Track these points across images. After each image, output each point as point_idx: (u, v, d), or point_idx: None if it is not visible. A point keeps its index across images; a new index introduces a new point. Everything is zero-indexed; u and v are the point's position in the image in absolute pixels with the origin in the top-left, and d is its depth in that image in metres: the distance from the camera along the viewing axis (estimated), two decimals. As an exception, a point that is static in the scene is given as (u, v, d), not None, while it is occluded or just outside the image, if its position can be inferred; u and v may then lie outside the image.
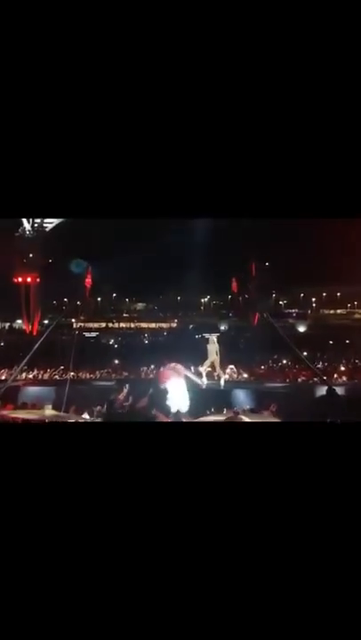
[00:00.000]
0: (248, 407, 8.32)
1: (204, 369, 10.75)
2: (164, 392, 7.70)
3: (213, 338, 11.18)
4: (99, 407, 8.23)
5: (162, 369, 8.16)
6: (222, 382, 11.06)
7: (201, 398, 8.59)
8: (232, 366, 16.61)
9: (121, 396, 8.00)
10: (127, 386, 8.36)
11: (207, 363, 10.86)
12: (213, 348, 11.01)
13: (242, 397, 9.19)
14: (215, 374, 11.12)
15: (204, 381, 10.66)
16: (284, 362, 18.36)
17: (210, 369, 10.98)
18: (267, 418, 6.40)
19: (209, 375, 10.88)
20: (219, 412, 6.82)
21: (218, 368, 10.98)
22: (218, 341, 11.08)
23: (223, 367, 16.41)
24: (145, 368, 16.86)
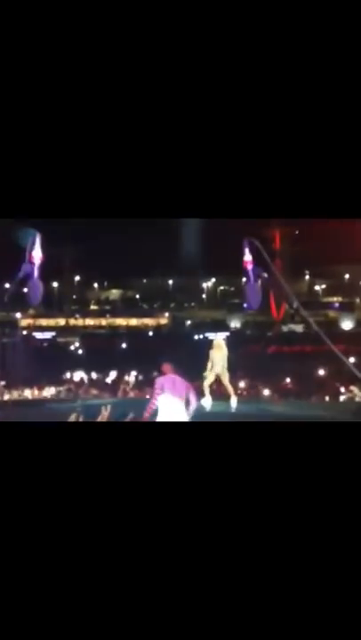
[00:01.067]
0: None
1: (207, 384, 10.54)
2: (153, 415, 7.61)
3: (220, 340, 10.92)
4: None
5: (158, 379, 8.00)
6: (233, 402, 10.81)
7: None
8: (248, 380, 16.55)
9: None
10: (108, 407, 8.33)
11: (211, 376, 10.57)
12: (220, 354, 10.65)
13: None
14: (222, 390, 10.82)
15: (209, 402, 10.49)
16: (321, 372, 18.36)
17: (213, 383, 10.68)
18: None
19: (212, 391, 10.69)
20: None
21: (226, 382, 10.71)
22: (225, 345, 10.80)
23: (234, 381, 16.35)
24: (126, 381, 16.77)
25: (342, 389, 13.94)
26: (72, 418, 8.51)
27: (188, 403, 7.71)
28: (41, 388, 16.88)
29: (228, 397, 10.82)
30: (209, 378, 10.74)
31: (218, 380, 10.79)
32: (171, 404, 7.63)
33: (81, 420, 8.46)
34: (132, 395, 14.79)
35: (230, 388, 10.84)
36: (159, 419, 7.56)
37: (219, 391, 12.08)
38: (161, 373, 8.06)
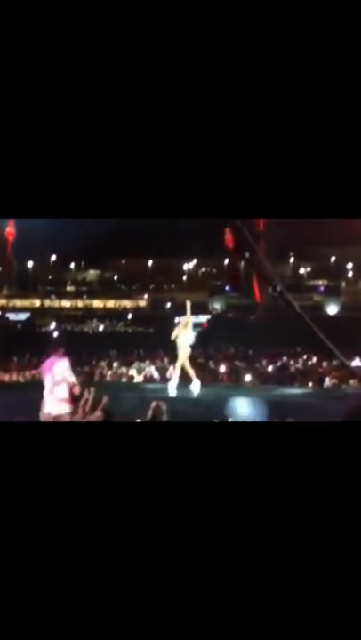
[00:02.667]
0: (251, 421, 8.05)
1: (188, 366, 10.32)
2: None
3: (187, 318, 10.50)
4: None
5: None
6: (195, 387, 10.49)
7: (180, 410, 8.50)
8: (228, 364, 16.57)
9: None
10: (92, 389, 8.24)
11: (181, 358, 10.24)
12: (186, 337, 10.26)
13: (241, 409, 8.88)
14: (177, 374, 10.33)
15: (174, 385, 10.29)
16: (305, 357, 18.40)
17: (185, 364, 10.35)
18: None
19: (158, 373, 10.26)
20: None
21: (188, 366, 10.34)
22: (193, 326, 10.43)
23: (216, 366, 16.36)
24: (102, 365, 16.66)
25: (332, 377, 13.95)
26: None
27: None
28: (17, 371, 16.74)
29: (189, 381, 10.59)
30: (179, 362, 10.50)
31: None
32: (53, 396, 7.58)
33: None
34: (108, 378, 14.73)
35: (192, 372, 10.58)
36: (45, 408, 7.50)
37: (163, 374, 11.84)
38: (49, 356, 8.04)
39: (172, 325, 10.79)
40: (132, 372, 14.71)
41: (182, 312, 11.29)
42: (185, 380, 10.65)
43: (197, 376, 10.98)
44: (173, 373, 10.84)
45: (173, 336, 10.54)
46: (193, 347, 11.02)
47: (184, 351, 10.59)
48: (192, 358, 11.11)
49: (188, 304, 10.99)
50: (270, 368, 16.04)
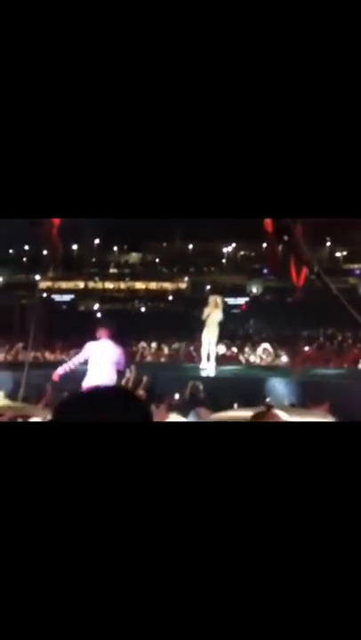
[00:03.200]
0: (287, 402, 7.99)
1: (205, 347, 10.23)
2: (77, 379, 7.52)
3: (216, 297, 10.41)
4: None
5: (88, 344, 7.70)
6: (211, 365, 10.84)
7: (220, 389, 8.59)
8: (266, 345, 16.55)
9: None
10: (133, 368, 8.33)
11: (208, 337, 10.13)
12: (215, 316, 10.21)
13: (279, 389, 8.90)
14: (205, 353, 10.20)
15: (209, 364, 10.21)
16: (340, 339, 18.30)
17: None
18: (316, 416, 6.26)
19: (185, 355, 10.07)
20: (247, 406, 6.85)
21: (213, 345, 10.27)
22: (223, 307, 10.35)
23: (252, 346, 16.37)
24: (143, 345, 16.82)
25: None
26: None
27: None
28: (63, 351, 16.95)
29: (208, 359, 10.47)
30: (210, 340, 10.39)
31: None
32: (98, 371, 7.50)
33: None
34: (149, 359, 14.85)
35: (211, 350, 10.44)
36: (85, 384, 7.42)
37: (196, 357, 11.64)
38: (97, 338, 7.93)
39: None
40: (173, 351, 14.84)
41: (222, 294, 11.24)
42: (209, 359, 10.63)
43: (233, 357, 11.01)
44: (204, 353, 10.84)
45: (204, 316, 10.55)
46: (228, 328, 11.01)
47: (212, 330, 10.57)
48: (225, 338, 11.07)
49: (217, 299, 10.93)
50: (307, 349, 15.96)
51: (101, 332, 8.01)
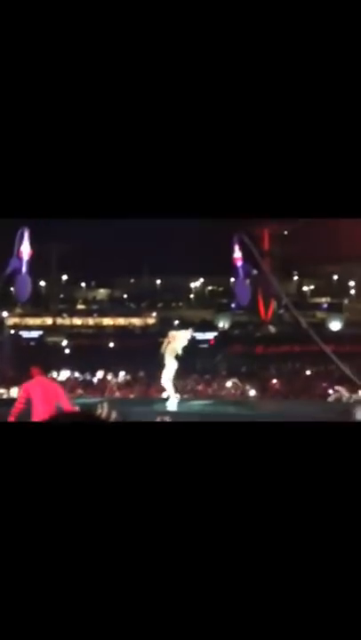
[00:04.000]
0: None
1: (165, 381, 10.12)
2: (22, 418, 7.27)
3: (175, 333, 10.34)
4: None
5: (25, 384, 7.54)
6: (173, 401, 10.28)
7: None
8: (235, 380, 16.50)
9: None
10: (105, 405, 8.23)
11: (168, 372, 10.03)
12: (171, 351, 10.06)
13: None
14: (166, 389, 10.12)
15: (173, 399, 10.10)
16: (309, 373, 18.40)
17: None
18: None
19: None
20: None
21: (170, 380, 10.15)
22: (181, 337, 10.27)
23: (221, 382, 16.35)
24: (113, 381, 16.66)
25: (330, 390, 13.91)
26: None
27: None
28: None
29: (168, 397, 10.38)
30: (165, 376, 10.31)
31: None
32: (42, 409, 7.33)
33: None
34: (117, 394, 14.70)
35: (171, 387, 10.35)
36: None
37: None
38: (29, 377, 7.78)
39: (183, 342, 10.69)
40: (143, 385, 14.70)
41: (190, 329, 11.17)
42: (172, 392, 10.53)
43: (202, 392, 10.92)
44: (166, 389, 10.72)
45: (162, 350, 10.46)
46: (196, 363, 10.94)
47: (169, 365, 10.47)
48: (193, 373, 10.99)
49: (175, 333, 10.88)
50: (275, 382, 15.97)
51: (34, 371, 7.82)
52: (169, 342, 10.43)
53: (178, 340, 10.42)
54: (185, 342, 10.38)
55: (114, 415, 8.15)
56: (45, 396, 7.53)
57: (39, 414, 7.36)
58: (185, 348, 10.43)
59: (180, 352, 10.32)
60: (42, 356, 23.89)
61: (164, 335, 11.14)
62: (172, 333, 10.56)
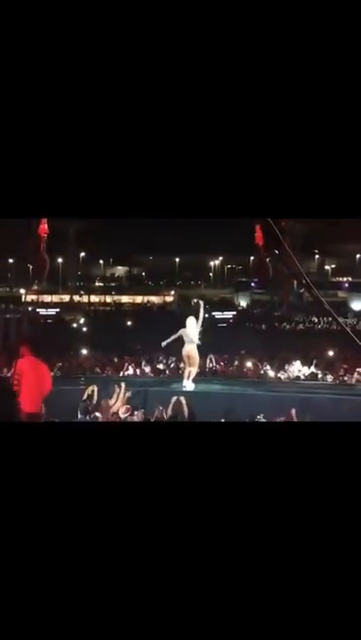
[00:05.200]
0: (261, 416, 7.92)
1: (188, 368, 10.17)
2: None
3: (187, 325, 10.39)
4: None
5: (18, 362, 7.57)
6: (188, 383, 10.27)
7: (206, 404, 8.46)
8: (254, 359, 16.48)
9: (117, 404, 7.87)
10: (123, 385, 8.20)
11: (186, 353, 10.07)
12: (193, 330, 10.08)
13: (264, 405, 8.73)
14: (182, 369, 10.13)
15: (190, 382, 10.18)
16: (331, 353, 18.29)
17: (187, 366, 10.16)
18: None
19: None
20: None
21: (192, 361, 10.20)
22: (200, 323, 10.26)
23: (241, 361, 16.30)
24: (128, 360, 16.67)
25: (351, 372, 13.81)
26: (89, 391, 8.52)
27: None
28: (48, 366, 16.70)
29: (188, 375, 10.41)
30: (189, 355, 10.35)
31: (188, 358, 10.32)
32: (29, 389, 7.34)
33: (96, 395, 8.45)
34: (134, 373, 14.70)
35: (192, 368, 10.39)
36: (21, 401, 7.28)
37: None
38: (20, 356, 7.77)
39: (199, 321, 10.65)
40: (160, 366, 14.66)
41: (209, 308, 11.16)
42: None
43: (220, 372, 10.88)
44: (185, 368, 10.73)
45: (183, 334, 10.44)
46: (214, 342, 10.85)
47: (189, 346, 10.44)
48: (211, 353, 10.93)
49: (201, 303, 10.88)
50: (295, 363, 15.88)
51: (24, 349, 7.81)
52: (190, 328, 10.43)
53: (188, 331, 10.40)
54: (194, 329, 10.37)
55: (127, 395, 8.18)
56: (35, 375, 7.57)
57: (28, 394, 7.39)
58: (201, 332, 10.45)
59: (195, 339, 10.33)
60: (57, 335, 23.97)
61: (183, 314, 11.10)
62: (190, 320, 10.54)
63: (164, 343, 10.63)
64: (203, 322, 10.68)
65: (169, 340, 10.43)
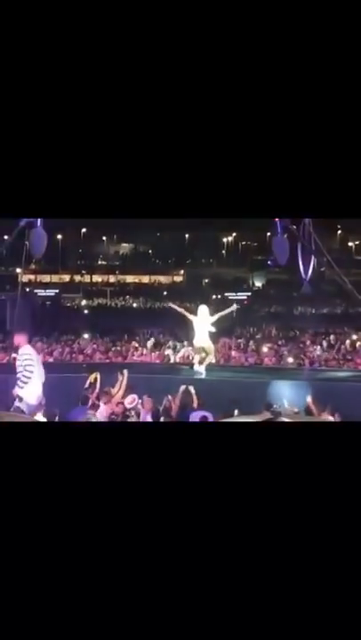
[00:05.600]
0: (297, 409, 7.86)
1: (197, 354, 10.23)
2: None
3: (199, 312, 10.50)
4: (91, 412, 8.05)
5: (25, 347, 7.53)
6: (201, 368, 10.34)
7: (217, 393, 8.46)
8: (269, 345, 16.46)
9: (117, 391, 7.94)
10: (125, 372, 8.23)
11: (198, 339, 10.15)
12: (204, 318, 10.16)
13: (284, 393, 8.70)
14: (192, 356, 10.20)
15: (202, 369, 10.24)
16: (355, 338, 18.21)
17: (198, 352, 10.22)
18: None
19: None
20: (249, 412, 6.72)
21: (208, 350, 10.27)
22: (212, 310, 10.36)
23: (255, 345, 16.30)
24: (134, 345, 16.64)
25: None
26: (91, 379, 8.55)
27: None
28: (47, 352, 16.68)
29: (200, 362, 10.47)
30: (196, 346, 10.44)
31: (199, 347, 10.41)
32: (38, 371, 7.37)
33: (99, 383, 8.47)
34: (140, 359, 14.70)
35: (202, 354, 10.46)
36: (32, 386, 7.25)
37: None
38: (15, 342, 7.75)
39: (210, 303, 10.69)
40: (168, 351, 14.62)
41: (221, 288, 11.22)
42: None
43: (232, 358, 10.89)
44: (196, 354, 10.77)
45: (194, 323, 10.49)
46: (228, 325, 10.87)
47: (201, 331, 10.48)
48: (224, 337, 10.92)
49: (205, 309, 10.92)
50: (315, 349, 15.84)
51: (19, 339, 7.78)
52: (201, 318, 10.48)
53: (200, 319, 10.44)
54: (206, 318, 10.42)
55: (125, 378, 8.23)
56: (37, 361, 7.63)
57: (35, 383, 7.42)
58: (216, 320, 10.52)
59: (209, 327, 10.39)
60: (56, 318, 24.02)
61: (194, 295, 11.20)
62: (201, 309, 10.60)
63: (174, 306, 10.69)
64: (221, 318, 10.72)
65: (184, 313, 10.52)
